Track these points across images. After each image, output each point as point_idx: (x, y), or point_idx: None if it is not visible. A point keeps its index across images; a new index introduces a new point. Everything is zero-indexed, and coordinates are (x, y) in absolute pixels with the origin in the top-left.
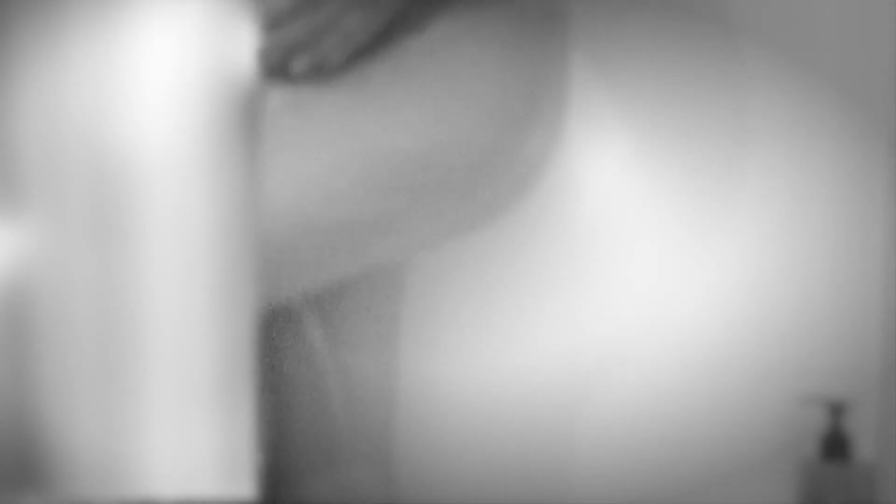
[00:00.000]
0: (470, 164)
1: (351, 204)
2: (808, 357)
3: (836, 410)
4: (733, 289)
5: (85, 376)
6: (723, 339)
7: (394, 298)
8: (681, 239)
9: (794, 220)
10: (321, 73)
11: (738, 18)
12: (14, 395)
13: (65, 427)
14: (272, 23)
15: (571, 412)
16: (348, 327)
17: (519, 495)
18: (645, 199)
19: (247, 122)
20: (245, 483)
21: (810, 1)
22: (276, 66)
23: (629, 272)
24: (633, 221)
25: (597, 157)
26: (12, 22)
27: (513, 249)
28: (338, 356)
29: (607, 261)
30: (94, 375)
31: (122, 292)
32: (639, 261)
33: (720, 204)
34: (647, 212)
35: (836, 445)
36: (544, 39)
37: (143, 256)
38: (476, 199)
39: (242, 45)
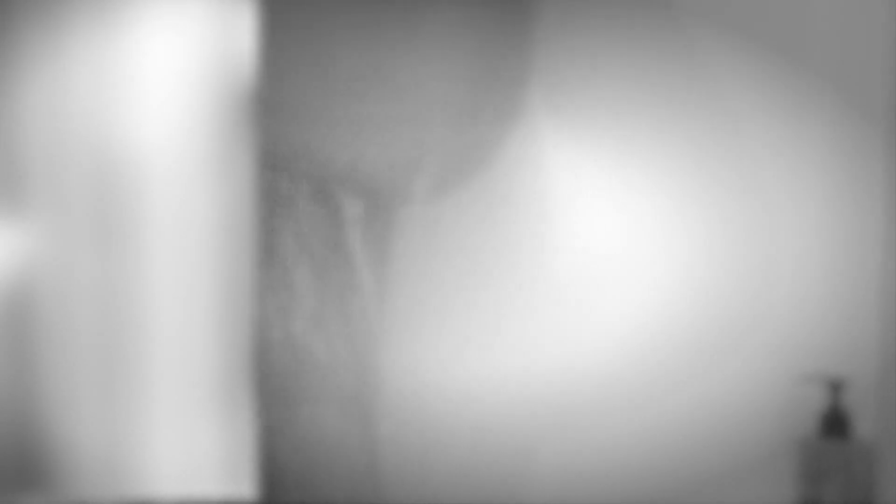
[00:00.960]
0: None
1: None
2: (807, 335)
3: (836, 388)
4: (733, 268)
5: (87, 377)
6: (722, 317)
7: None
8: (681, 221)
9: (792, 201)
10: None
11: (726, 13)
12: (16, 395)
13: (67, 427)
14: None
15: (568, 394)
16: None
17: (516, 483)
18: (634, 184)
19: (247, 122)
20: (245, 483)
21: None
22: None
23: (626, 258)
24: (624, 206)
25: (572, 145)
26: (14, 24)
27: (472, 231)
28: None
29: (598, 246)
30: (96, 376)
31: (123, 293)
32: (632, 246)
33: (718, 185)
34: (637, 197)
35: (835, 422)
36: (508, 23)
37: (144, 258)
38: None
39: (243, 45)
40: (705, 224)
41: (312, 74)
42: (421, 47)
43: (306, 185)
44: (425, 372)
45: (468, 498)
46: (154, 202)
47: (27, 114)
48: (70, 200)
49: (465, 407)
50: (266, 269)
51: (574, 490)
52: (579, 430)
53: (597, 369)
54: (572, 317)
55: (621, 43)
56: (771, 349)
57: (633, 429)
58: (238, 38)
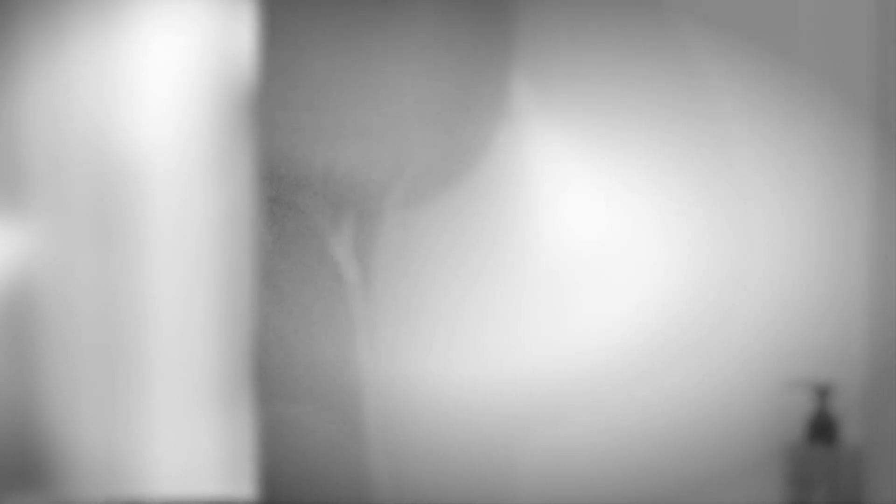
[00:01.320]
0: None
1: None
2: (794, 341)
3: (823, 393)
4: (720, 274)
5: (87, 377)
6: (709, 322)
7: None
8: (667, 224)
9: (778, 207)
10: None
11: (713, 10)
12: (17, 396)
13: (67, 428)
14: None
15: (555, 397)
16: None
17: (503, 481)
18: (621, 185)
19: (247, 123)
20: (245, 483)
21: None
22: None
23: (612, 261)
24: (610, 207)
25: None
26: (15, 25)
27: (459, 232)
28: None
29: (585, 247)
30: (97, 376)
31: (123, 293)
32: (618, 249)
33: (704, 188)
34: (624, 198)
35: (822, 428)
36: (491, 25)
37: (145, 258)
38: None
39: (243, 46)
40: (692, 227)
41: (291, 81)
42: (402, 52)
43: (291, 190)
44: (414, 372)
45: (457, 496)
46: (154, 202)
47: (27, 114)
48: (70, 200)
49: (453, 406)
50: (258, 274)
51: (560, 493)
52: (566, 432)
53: (583, 373)
54: (560, 319)
55: (606, 41)
56: (758, 355)
57: (620, 432)
58: (238, 38)
